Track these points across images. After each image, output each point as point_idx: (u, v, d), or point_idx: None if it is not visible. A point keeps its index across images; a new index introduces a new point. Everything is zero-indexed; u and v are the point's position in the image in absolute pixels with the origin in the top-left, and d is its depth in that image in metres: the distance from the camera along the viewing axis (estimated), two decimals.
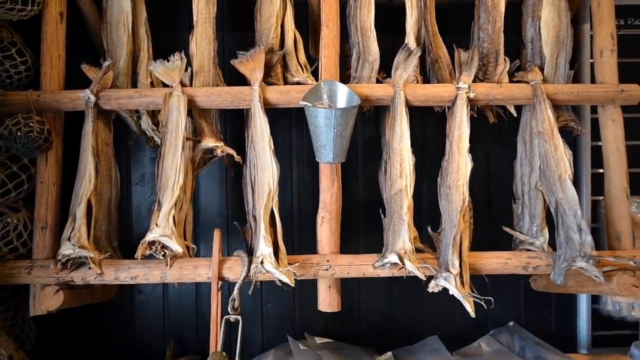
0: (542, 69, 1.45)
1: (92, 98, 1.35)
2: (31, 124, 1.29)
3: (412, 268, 1.25)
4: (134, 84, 1.49)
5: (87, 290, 1.44)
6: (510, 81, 1.45)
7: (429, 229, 1.35)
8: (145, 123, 1.49)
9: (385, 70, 1.47)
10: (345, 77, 1.48)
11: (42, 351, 1.52)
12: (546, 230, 1.37)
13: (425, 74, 1.51)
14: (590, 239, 1.25)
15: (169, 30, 1.60)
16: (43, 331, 1.53)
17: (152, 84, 1.49)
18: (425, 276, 1.27)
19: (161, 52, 1.46)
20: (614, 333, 1.65)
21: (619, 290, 1.27)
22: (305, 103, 1.30)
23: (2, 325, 1.35)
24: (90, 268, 1.29)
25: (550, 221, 1.36)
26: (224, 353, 1.16)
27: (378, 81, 1.45)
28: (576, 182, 1.53)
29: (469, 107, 1.37)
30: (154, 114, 1.50)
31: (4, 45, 1.40)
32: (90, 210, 1.33)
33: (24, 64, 1.42)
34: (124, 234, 1.53)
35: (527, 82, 1.41)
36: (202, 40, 1.43)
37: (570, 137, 1.52)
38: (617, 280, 1.27)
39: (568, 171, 1.31)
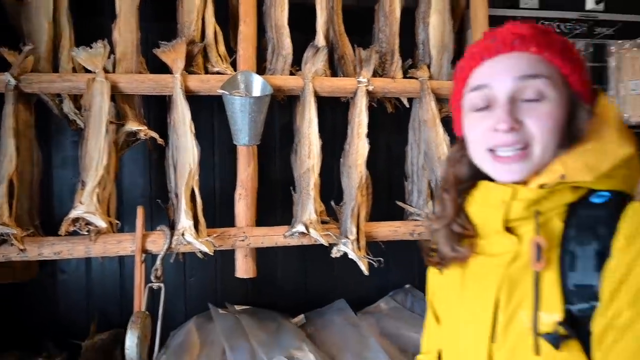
0: (430, 67, 1.71)
1: (13, 81, 1.39)
2: None
3: (317, 236, 1.45)
4: (55, 68, 1.53)
5: (7, 268, 1.49)
6: (404, 77, 1.69)
7: (332, 203, 1.55)
8: (67, 107, 1.54)
9: (298, 64, 1.64)
10: (261, 68, 1.63)
11: None
12: (430, 203, 1.63)
13: (334, 68, 1.71)
14: None
15: (91, 17, 1.64)
16: None
17: (74, 69, 1.54)
18: (328, 243, 1.47)
19: (83, 39, 1.52)
20: None
21: None
22: (223, 91, 1.44)
23: None
24: (12, 245, 1.35)
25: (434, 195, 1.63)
26: (146, 312, 1.28)
27: (291, 73, 1.62)
28: None
29: (368, 99, 1.59)
30: (76, 98, 1.55)
31: None
32: (12, 190, 1.38)
33: None
34: (45, 216, 1.56)
35: (417, 78, 1.66)
36: (126, 28, 1.51)
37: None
38: None
39: (445, 153, 1.58)
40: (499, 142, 0.68)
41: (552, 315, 0.63)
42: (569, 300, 0.62)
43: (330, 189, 1.67)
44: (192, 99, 1.50)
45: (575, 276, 0.62)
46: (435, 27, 1.72)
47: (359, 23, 1.76)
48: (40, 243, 1.39)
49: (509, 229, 0.70)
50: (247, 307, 1.76)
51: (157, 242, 1.43)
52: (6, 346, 1.60)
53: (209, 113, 1.81)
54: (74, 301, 1.74)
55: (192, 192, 1.46)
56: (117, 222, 1.47)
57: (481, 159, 0.73)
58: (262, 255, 1.62)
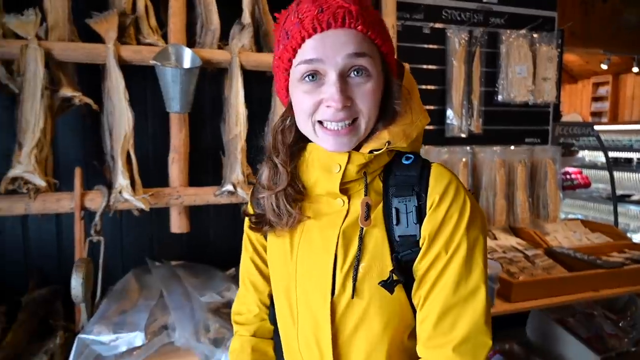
0: None
1: None
2: None
3: (244, 194, 1.66)
4: None
5: None
6: None
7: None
8: (0, 72, 1.60)
9: (226, 40, 1.79)
10: (192, 42, 1.77)
11: None
12: None
13: (259, 44, 1.88)
14: None
15: None
16: None
17: (4, 35, 1.59)
18: None
19: (12, 6, 1.57)
20: None
21: None
22: (155, 62, 1.58)
23: None
24: None
25: None
26: (89, 258, 1.43)
27: (219, 48, 1.78)
28: None
29: None
30: (8, 64, 1.61)
31: None
32: None
33: None
34: None
35: None
36: None
37: None
38: None
39: None
40: (330, 118, 0.71)
41: (384, 264, 0.71)
42: (396, 250, 0.72)
43: (256, 153, 1.87)
44: (125, 68, 1.61)
45: (400, 229, 0.71)
46: None
47: (283, 1, 1.93)
48: None
49: (341, 191, 0.75)
50: (182, 262, 1.94)
51: (95, 200, 1.57)
52: None
53: (142, 82, 1.92)
54: (11, 259, 1.83)
55: (128, 154, 1.60)
56: (55, 181, 1.58)
57: (310, 130, 0.75)
58: (195, 215, 1.80)
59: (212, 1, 1.75)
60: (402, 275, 0.70)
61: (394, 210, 0.72)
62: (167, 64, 1.59)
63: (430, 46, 2.39)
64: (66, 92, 1.59)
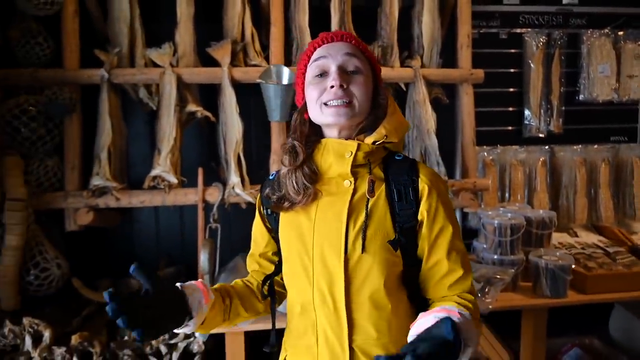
0: (422, 58, 2.13)
1: (106, 75, 1.88)
2: (64, 93, 1.81)
3: None
4: (132, 64, 2.01)
5: (103, 214, 2.00)
6: (402, 66, 2.12)
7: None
8: (143, 93, 2.03)
9: None
10: (289, 61, 2.08)
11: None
12: None
13: None
14: (444, 169, 1.98)
15: (156, 24, 2.11)
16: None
17: (145, 64, 2.02)
18: None
19: (152, 41, 2.00)
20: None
21: (463, 202, 2.02)
22: (260, 80, 1.90)
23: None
24: (112, 195, 1.86)
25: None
26: (211, 239, 1.78)
27: None
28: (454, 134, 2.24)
29: None
30: (147, 87, 2.04)
31: (34, 34, 1.89)
32: (109, 155, 1.88)
33: (49, 48, 1.92)
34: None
35: (411, 67, 2.08)
36: (185, 32, 1.98)
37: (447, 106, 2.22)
38: (462, 195, 2.02)
39: (433, 127, 2.02)
40: (332, 97, 0.92)
41: (386, 230, 0.92)
42: (398, 220, 0.93)
43: None
44: (235, 86, 1.96)
45: (400, 204, 0.93)
46: (426, 24, 2.13)
47: (366, 20, 2.18)
48: (130, 194, 1.90)
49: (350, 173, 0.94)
50: None
51: (213, 194, 1.93)
52: (100, 274, 2.13)
53: (247, 97, 2.27)
54: (146, 243, 2.27)
55: (238, 157, 1.95)
56: (184, 179, 1.97)
57: (318, 112, 0.95)
58: None
59: (305, 26, 2.04)
60: (404, 239, 0.92)
61: (395, 191, 0.93)
62: (270, 81, 1.90)
63: (507, 50, 2.49)
64: (191, 107, 1.97)
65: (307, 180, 0.94)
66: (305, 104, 1.00)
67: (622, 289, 1.79)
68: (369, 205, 0.92)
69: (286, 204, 0.96)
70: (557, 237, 2.22)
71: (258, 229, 1.10)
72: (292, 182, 0.94)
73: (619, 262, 1.98)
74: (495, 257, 1.79)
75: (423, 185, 0.93)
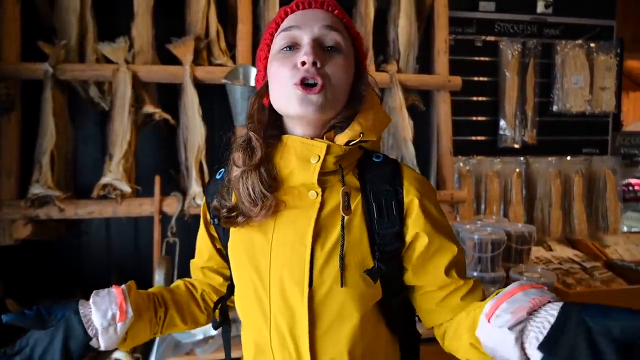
0: (398, 62, 2.03)
1: (51, 70, 1.67)
2: (0, 89, 1.60)
3: None
4: (82, 59, 1.81)
5: (45, 227, 1.78)
6: (377, 70, 2.01)
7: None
8: (93, 92, 1.83)
9: None
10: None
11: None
12: None
13: None
14: None
15: (110, 17, 1.92)
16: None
17: (97, 60, 1.82)
18: None
19: (105, 34, 1.81)
20: None
21: None
22: (226, 81, 1.75)
23: None
24: (55, 205, 1.65)
25: None
26: (168, 256, 1.60)
27: None
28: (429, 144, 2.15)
29: None
30: (99, 85, 1.84)
31: None
32: (52, 160, 1.67)
33: None
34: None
35: (387, 72, 1.98)
36: (143, 26, 1.80)
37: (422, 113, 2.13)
38: None
39: (410, 135, 1.91)
40: (303, 74, 0.70)
41: (362, 255, 0.72)
42: (378, 242, 0.73)
43: None
44: (198, 85, 1.79)
45: (381, 223, 0.74)
46: (403, 27, 2.04)
47: None
48: (76, 204, 1.69)
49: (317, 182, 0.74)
50: None
51: (172, 205, 1.75)
52: (41, 293, 1.90)
53: (211, 99, 2.10)
54: (96, 257, 2.05)
55: (200, 164, 1.78)
56: (138, 187, 1.78)
57: (281, 96, 0.74)
58: None
59: None
60: (385, 266, 0.72)
61: (374, 204, 0.74)
62: (237, 82, 1.75)
63: (483, 58, 2.44)
64: (149, 108, 1.79)
65: (266, 187, 0.73)
66: (266, 84, 0.78)
67: None
68: (345, 225, 0.72)
69: (240, 218, 0.75)
70: (533, 251, 2.16)
71: (202, 237, 0.91)
72: (247, 187, 0.74)
73: (597, 277, 1.93)
74: (475, 274, 1.69)
75: (410, 198, 0.74)
